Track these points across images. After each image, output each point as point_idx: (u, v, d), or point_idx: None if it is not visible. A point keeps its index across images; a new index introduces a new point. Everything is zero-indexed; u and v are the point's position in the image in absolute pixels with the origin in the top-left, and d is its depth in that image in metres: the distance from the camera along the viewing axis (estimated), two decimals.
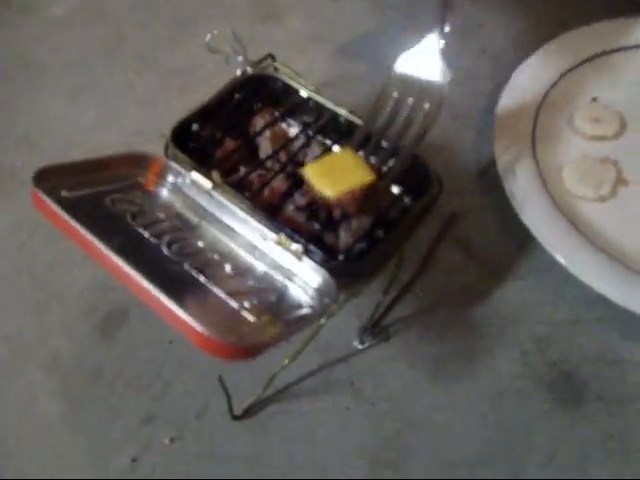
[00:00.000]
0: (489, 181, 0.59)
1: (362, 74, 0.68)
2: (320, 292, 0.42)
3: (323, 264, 0.42)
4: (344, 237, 0.45)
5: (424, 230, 0.48)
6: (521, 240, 0.55)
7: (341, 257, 0.43)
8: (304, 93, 0.51)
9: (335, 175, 0.45)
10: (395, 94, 0.48)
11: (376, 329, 0.52)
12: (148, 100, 0.67)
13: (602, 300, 0.51)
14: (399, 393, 0.50)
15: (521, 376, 0.51)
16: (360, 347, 0.52)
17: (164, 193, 0.48)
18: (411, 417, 0.49)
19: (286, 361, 0.47)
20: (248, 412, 0.49)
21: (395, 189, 0.48)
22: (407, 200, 0.48)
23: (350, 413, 0.49)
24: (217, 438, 0.49)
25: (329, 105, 0.50)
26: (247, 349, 0.36)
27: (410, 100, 0.48)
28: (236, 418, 0.49)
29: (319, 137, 0.51)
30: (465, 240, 0.57)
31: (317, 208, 0.46)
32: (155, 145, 0.50)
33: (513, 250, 0.56)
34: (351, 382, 0.51)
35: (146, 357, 0.52)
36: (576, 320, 0.53)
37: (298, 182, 0.47)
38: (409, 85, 0.48)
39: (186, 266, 0.42)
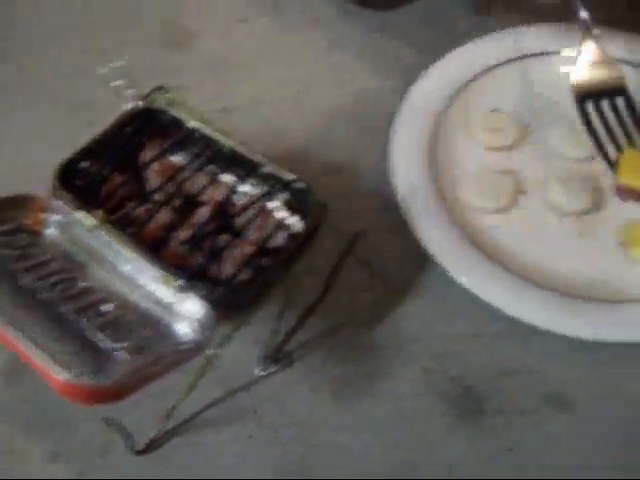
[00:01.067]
0: (392, 199, 0.59)
1: (272, 97, 0.68)
2: (202, 325, 0.43)
3: (204, 297, 0.42)
4: (227, 267, 0.45)
5: (325, 252, 0.48)
6: (423, 257, 0.55)
7: (221, 288, 0.43)
8: (191, 125, 0.51)
9: None
10: None
11: (279, 355, 0.52)
12: (50, 135, 0.66)
13: (502, 313, 0.52)
14: (303, 417, 0.50)
15: (422, 393, 0.51)
16: (263, 374, 0.52)
17: (51, 233, 0.48)
18: (314, 441, 0.49)
19: (182, 395, 0.47)
20: (151, 446, 0.49)
21: (281, 214, 0.48)
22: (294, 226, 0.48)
23: (253, 441, 0.49)
24: (122, 474, 0.49)
25: (215, 136, 0.50)
26: (111, 391, 0.36)
27: None
28: (139, 453, 0.49)
29: (208, 167, 0.51)
30: (368, 260, 0.57)
31: (201, 240, 0.46)
32: None
33: (415, 268, 0.57)
34: (254, 410, 0.51)
35: (50, 397, 0.52)
36: (476, 334, 0.53)
37: (185, 214, 0.48)
38: None
39: (65, 308, 0.42)
